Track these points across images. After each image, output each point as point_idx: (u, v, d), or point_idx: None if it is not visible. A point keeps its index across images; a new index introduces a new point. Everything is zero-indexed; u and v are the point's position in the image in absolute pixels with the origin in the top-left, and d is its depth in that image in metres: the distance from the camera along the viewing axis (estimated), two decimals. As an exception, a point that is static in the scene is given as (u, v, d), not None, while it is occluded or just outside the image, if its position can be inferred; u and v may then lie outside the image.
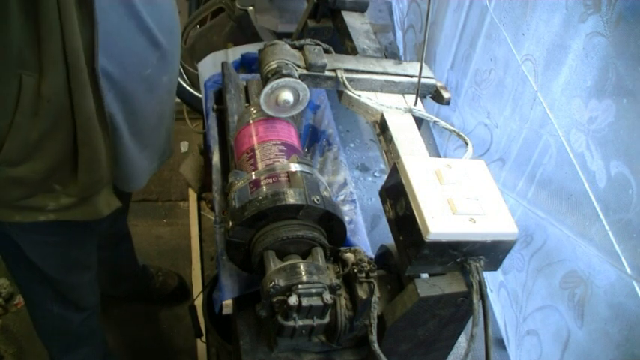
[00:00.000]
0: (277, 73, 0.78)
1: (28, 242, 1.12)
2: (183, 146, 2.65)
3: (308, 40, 0.88)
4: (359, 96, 0.84)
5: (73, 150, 0.94)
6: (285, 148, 0.80)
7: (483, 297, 0.59)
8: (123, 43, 0.90)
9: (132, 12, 0.89)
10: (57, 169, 0.95)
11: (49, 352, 1.56)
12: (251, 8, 1.30)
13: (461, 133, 0.80)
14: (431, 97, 0.92)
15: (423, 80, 0.84)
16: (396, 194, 0.63)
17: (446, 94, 0.89)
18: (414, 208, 0.59)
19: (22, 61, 0.82)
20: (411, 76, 0.89)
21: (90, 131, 0.92)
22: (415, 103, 0.86)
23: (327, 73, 0.85)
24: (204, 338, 1.63)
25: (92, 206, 1.03)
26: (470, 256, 0.59)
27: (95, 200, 1.03)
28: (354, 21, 1.06)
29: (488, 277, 0.99)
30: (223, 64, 1.01)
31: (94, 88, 0.88)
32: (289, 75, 0.78)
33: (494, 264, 0.61)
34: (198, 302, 1.61)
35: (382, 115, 0.82)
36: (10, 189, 0.95)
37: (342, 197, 0.93)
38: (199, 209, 2.23)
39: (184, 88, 1.59)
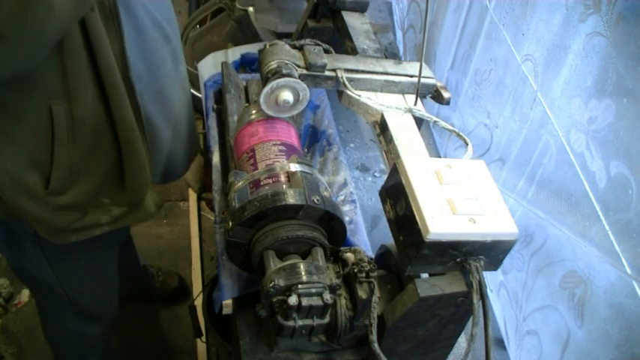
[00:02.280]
0: (277, 73, 0.78)
1: (57, 258, 1.11)
2: (184, 146, 2.65)
3: (308, 40, 0.88)
4: (359, 96, 0.84)
5: (116, 163, 0.95)
6: (285, 148, 0.79)
7: (483, 297, 0.59)
8: (146, 44, 0.91)
9: (147, 12, 0.89)
10: (104, 184, 0.96)
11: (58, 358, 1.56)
12: (251, 8, 1.30)
13: (461, 133, 0.80)
14: (431, 97, 0.92)
15: (423, 80, 0.84)
16: (396, 194, 0.63)
17: (446, 94, 0.89)
18: (414, 208, 0.59)
19: (48, 90, 0.81)
20: (411, 76, 0.89)
21: (133, 141, 0.92)
22: (415, 103, 0.86)
23: (327, 73, 0.85)
24: (204, 338, 1.63)
25: (142, 210, 1.04)
26: (470, 256, 0.59)
27: (144, 203, 1.03)
28: (354, 21, 1.06)
29: (488, 277, 0.99)
30: (223, 64, 1.01)
31: (131, 98, 0.88)
32: (289, 75, 0.78)
33: (494, 264, 0.61)
34: (198, 302, 1.61)
35: (382, 115, 0.82)
36: (62, 216, 0.95)
37: (342, 197, 0.93)
38: (199, 209, 2.22)
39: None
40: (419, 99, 0.87)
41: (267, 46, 0.84)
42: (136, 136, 0.93)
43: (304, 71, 0.83)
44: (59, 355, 1.55)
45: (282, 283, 0.64)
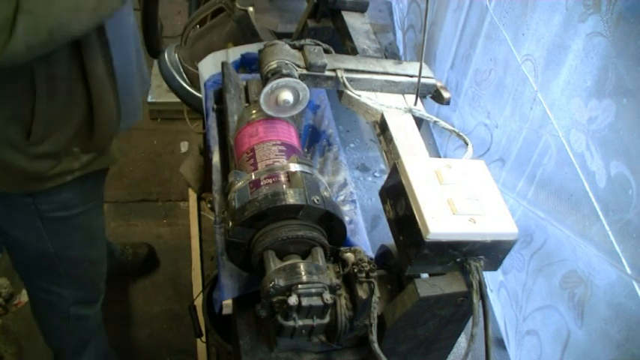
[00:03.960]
0: (277, 73, 0.78)
1: (51, 221, 1.18)
2: (183, 146, 2.65)
3: (308, 40, 0.88)
4: (359, 96, 0.84)
5: (88, 114, 1.04)
6: (285, 148, 0.79)
7: (483, 297, 0.59)
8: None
9: None
10: (76, 134, 1.05)
11: (59, 356, 1.56)
12: (251, 8, 1.30)
13: (461, 133, 0.80)
14: (431, 97, 0.92)
15: (423, 80, 0.84)
16: (396, 194, 0.63)
17: (446, 94, 0.89)
18: (414, 208, 0.59)
19: None
20: (411, 76, 0.89)
21: (103, 93, 1.02)
22: (415, 103, 0.86)
23: (327, 73, 0.85)
24: (204, 338, 1.63)
25: (108, 156, 1.15)
26: (470, 256, 0.59)
27: (110, 150, 1.14)
28: (354, 21, 1.06)
29: (488, 277, 0.99)
30: (223, 64, 1.01)
31: (104, 50, 0.99)
32: (289, 75, 0.78)
33: (494, 264, 0.61)
34: (198, 302, 1.61)
35: (382, 115, 0.82)
36: (40, 164, 1.03)
37: (342, 197, 0.93)
38: (199, 209, 2.23)
39: (184, 87, 1.59)
40: (419, 99, 0.87)
41: (267, 46, 0.84)
42: (106, 88, 1.03)
43: (304, 71, 0.83)
44: (58, 349, 1.55)
45: (282, 283, 0.64)
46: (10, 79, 0.92)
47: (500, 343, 0.95)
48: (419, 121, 0.83)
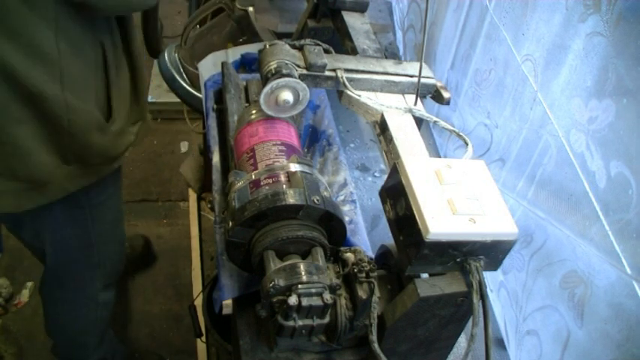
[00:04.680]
0: (277, 73, 0.78)
1: (96, 208, 1.22)
2: (183, 146, 2.65)
3: (308, 40, 0.88)
4: (359, 96, 0.84)
5: (132, 85, 1.12)
6: (285, 148, 0.79)
7: (483, 297, 0.59)
8: None
9: None
10: (129, 107, 1.12)
11: (80, 353, 1.54)
12: (251, 8, 1.30)
13: (461, 133, 0.80)
14: (431, 97, 0.92)
15: (423, 80, 0.84)
16: (396, 194, 0.63)
17: (446, 94, 0.89)
18: (414, 208, 0.59)
19: (97, 27, 0.96)
20: (411, 76, 0.89)
21: (140, 64, 1.13)
22: (415, 103, 0.86)
23: (327, 73, 0.85)
24: (204, 338, 1.63)
25: (147, 123, 1.21)
26: (470, 256, 0.59)
27: (146, 117, 1.21)
28: (354, 21, 1.06)
29: (488, 277, 0.99)
30: (223, 64, 1.01)
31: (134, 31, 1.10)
32: (289, 75, 0.78)
33: (494, 264, 0.61)
34: (198, 302, 1.61)
35: (382, 115, 0.82)
36: (118, 141, 1.10)
37: (342, 197, 0.93)
38: (199, 209, 2.23)
39: (184, 87, 1.59)
40: (419, 99, 0.87)
41: (267, 46, 0.84)
42: (142, 60, 1.13)
43: (304, 71, 0.83)
44: (82, 346, 1.53)
45: (282, 283, 0.64)
46: (87, 56, 0.97)
47: (500, 343, 0.95)
48: (419, 121, 0.83)
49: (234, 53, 1.21)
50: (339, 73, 0.85)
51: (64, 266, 1.32)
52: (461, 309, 0.63)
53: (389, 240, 0.67)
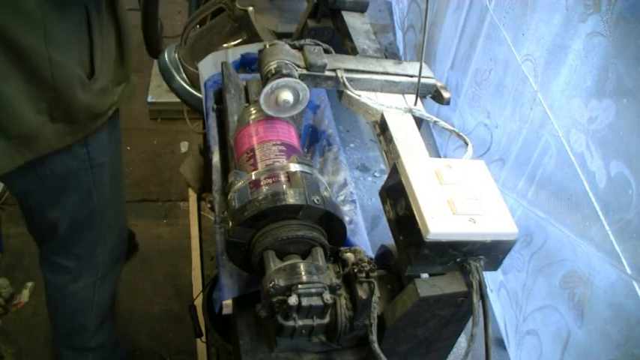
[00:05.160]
0: (277, 73, 0.78)
1: (98, 169, 1.25)
2: (183, 146, 2.65)
3: (308, 40, 0.88)
4: (359, 96, 0.84)
5: (118, 45, 1.16)
6: (285, 148, 0.79)
7: (483, 297, 0.59)
8: None
9: None
10: (114, 67, 1.16)
11: (79, 336, 1.54)
12: (251, 8, 1.30)
13: (461, 133, 0.80)
14: (431, 97, 0.92)
15: (423, 80, 0.84)
16: (396, 194, 0.63)
17: (446, 94, 0.89)
18: (414, 208, 0.59)
19: None
20: (411, 76, 0.89)
21: (127, 25, 1.16)
22: (415, 103, 0.86)
23: (327, 73, 0.85)
24: (204, 338, 1.63)
25: (131, 83, 1.25)
26: (470, 256, 0.59)
27: (131, 78, 1.25)
28: (354, 21, 1.06)
29: (488, 277, 0.99)
30: (223, 64, 1.01)
31: None
32: (289, 75, 0.78)
33: (494, 264, 0.61)
34: (198, 302, 1.61)
35: (382, 115, 0.82)
36: (102, 99, 1.14)
37: (342, 197, 0.93)
38: (199, 209, 2.23)
39: (184, 88, 1.60)
40: (419, 99, 0.87)
41: (267, 46, 0.84)
42: (129, 20, 1.17)
43: (304, 71, 0.83)
44: (79, 329, 1.54)
45: (282, 283, 0.64)
46: (71, 18, 1.01)
47: (500, 343, 0.95)
48: (419, 121, 0.83)
49: (234, 53, 1.21)
50: (339, 73, 0.85)
51: (68, 234, 1.35)
52: (461, 309, 0.63)
53: (389, 240, 0.67)
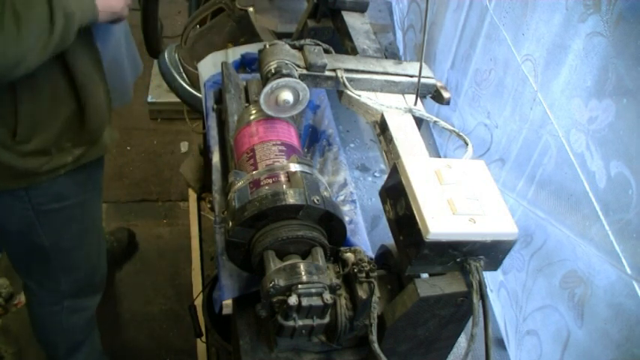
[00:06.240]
0: (277, 73, 0.78)
1: (45, 214, 1.19)
2: (183, 146, 2.65)
3: (308, 40, 0.88)
4: (359, 96, 0.84)
5: (76, 109, 1.05)
6: (285, 148, 0.80)
7: (483, 297, 0.59)
8: None
9: None
10: (66, 130, 1.07)
11: (51, 357, 1.55)
12: (251, 8, 1.30)
13: (461, 133, 0.80)
14: (431, 97, 0.92)
15: (423, 80, 0.84)
16: (396, 194, 0.63)
17: (446, 94, 0.89)
18: (414, 208, 0.59)
19: None
20: (411, 76, 0.89)
21: (91, 87, 1.04)
22: (415, 103, 0.86)
23: (327, 73, 0.85)
24: (204, 338, 1.63)
25: (100, 145, 1.16)
26: (470, 256, 0.59)
27: (101, 139, 1.16)
28: (354, 21, 1.06)
29: (488, 277, 0.99)
30: (223, 64, 1.01)
31: (90, 48, 1.02)
32: (289, 75, 0.78)
33: (494, 264, 0.61)
34: (198, 302, 1.61)
35: (382, 115, 0.82)
36: (29, 161, 1.06)
37: (342, 197, 0.93)
38: (199, 209, 2.23)
39: (184, 88, 1.60)
40: (419, 99, 0.87)
41: (267, 46, 0.84)
42: (95, 81, 1.05)
43: (304, 71, 0.83)
44: (51, 349, 1.54)
45: (282, 283, 0.64)
46: None
47: (500, 343, 0.95)
48: (419, 121, 0.83)
49: (234, 53, 1.21)
50: (339, 73, 0.85)
51: (19, 262, 1.34)
52: (461, 309, 0.63)
53: (389, 240, 0.67)
